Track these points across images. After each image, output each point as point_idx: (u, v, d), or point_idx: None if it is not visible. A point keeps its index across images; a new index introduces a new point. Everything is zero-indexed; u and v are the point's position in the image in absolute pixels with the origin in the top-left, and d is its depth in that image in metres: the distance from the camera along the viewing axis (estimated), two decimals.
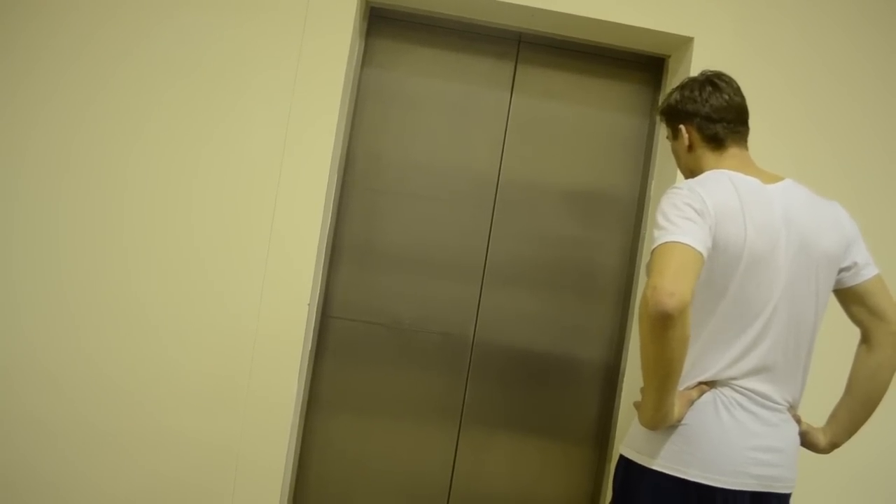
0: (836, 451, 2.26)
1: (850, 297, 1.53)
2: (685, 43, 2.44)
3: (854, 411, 1.54)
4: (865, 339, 1.53)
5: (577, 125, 2.75)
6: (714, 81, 1.56)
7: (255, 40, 2.29)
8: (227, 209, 2.28)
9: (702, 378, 1.42)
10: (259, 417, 2.27)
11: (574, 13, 2.36)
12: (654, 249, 1.34)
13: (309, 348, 2.40)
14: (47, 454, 2.25)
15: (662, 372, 1.30)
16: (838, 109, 2.45)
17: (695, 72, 2.35)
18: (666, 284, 1.24)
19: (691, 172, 1.60)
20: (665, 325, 1.24)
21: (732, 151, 1.54)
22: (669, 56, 2.57)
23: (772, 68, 2.43)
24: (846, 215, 1.53)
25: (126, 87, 2.26)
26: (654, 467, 1.40)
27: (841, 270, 1.50)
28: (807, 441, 1.55)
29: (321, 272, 2.42)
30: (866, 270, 1.51)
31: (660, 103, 1.65)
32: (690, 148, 1.58)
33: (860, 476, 2.46)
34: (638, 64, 2.63)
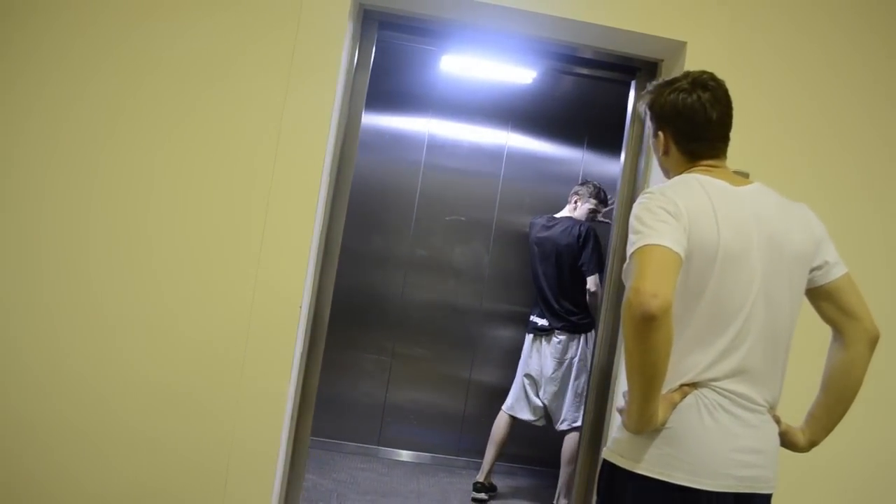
0: (837, 460, 2.30)
1: (821, 296, 1.54)
2: (678, 47, 2.44)
3: (831, 409, 1.55)
4: (837, 338, 1.54)
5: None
6: (699, 94, 1.52)
7: (247, 41, 2.29)
8: (218, 210, 2.28)
9: (683, 380, 1.43)
10: (252, 419, 2.27)
11: (566, 17, 2.36)
12: (631, 253, 1.36)
13: (301, 350, 2.41)
14: (37, 456, 2.24)
15: (648, 374, 1.32)
16: (832, 114, 2.46)
17: None
18: (648, 286, 1.26)
19: (666, 171, 1.64)
20: (650, 327, 1.25)
21: (706, 162, 1.55)
22: (662, 60, 2.57)
23: (765, 73, 2.44)
24: (814, 216, 1.55)
25: (116, 86, 2.26)
26: (639, 471, 1.41)
27: (812, 270, 1.51)
28: (787, 441, 1.56)
29: (314, 273, 2.42)
30: (836, 269, 1.52)
31: (647, 90, 1.62)
32: (666, 153, 1.60)
33: (861, 485, 2.47)
34: (631, 69, 2.64)
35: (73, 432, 2.25)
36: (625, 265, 1.39)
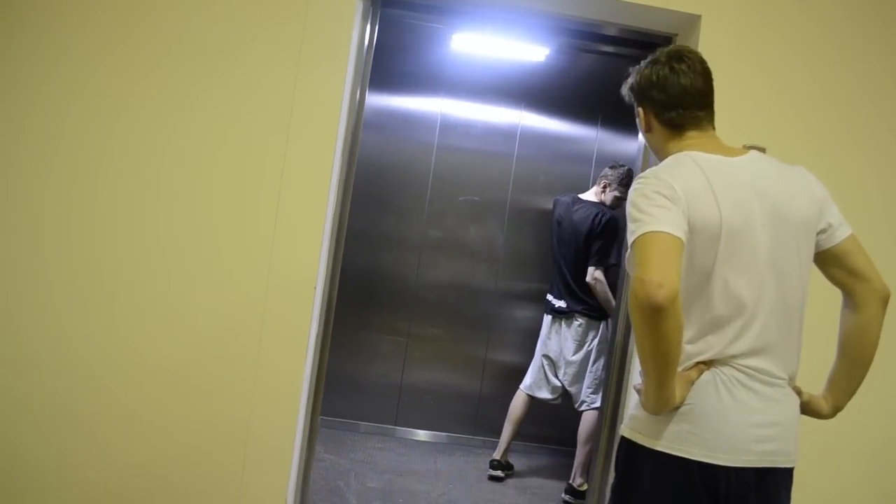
0: (856, 431, 2.32)
1: (828, 260, 1.52)
2: (693, 21, 2.41)
3: (850, 372, 1.54)
4: (848, 301, 1.53)
5: None
6: (672, 65, 1.52)
7: (257, 23, 2.28)
8: (231, 194, 2.28)
9: (701, 359, 1.42)
10: (268, 402, 2.30)
11: None
12: (632, 242, 1.34)
13: (316, 332, 2.42)
14: (43, 447, 2.27)
15: (661, 361, 1.31)
16: (848, 86, 2.43)
17: (702, 50, 2.34)
18: (653, 276, 1.25)
19: (656, 151, 1.62)
20: (659, 317, 1.24)
21: (691, 134, 1.53)
22: (677, 35, 2.54)
23: (780, 45, 2.41)
24: (814, 178, 1.52)
25: (127, 73, 2.26)
26: (658, 448, 1.41)
27: (817, 234, 1.49)
28: (810, 410, 1.56)
29: (328, 255, 2.42)
30: (841, 231, 1.50)
31: (629, 74, 1.64)
32: (649, 129, 1.59)
33: (880, 456, 2.48)
34: (645, 43, 2.60)
35: (86, 422, 2.28)
36: (626, 254, 1.37)
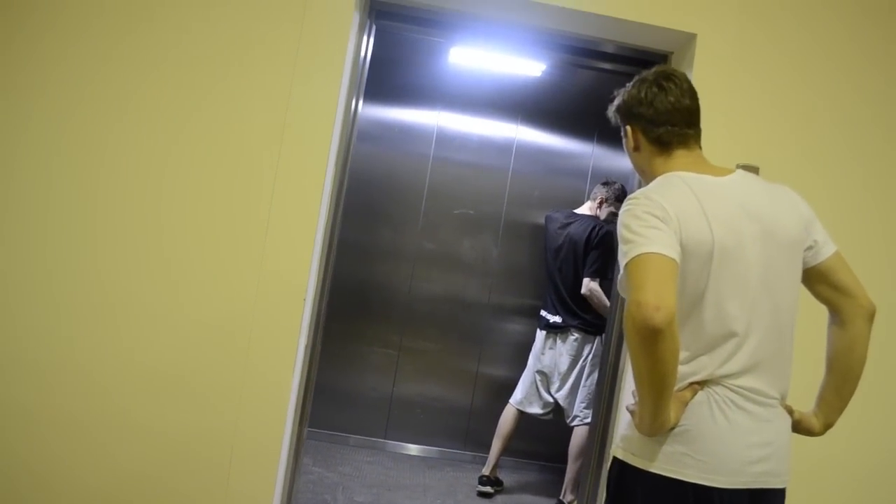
0: (848, 452, 2.34)
1: (814, 277, 1.52)
2: (688, 39, 2.41)
3: (839, 389, 1.54)
4: (835, 317, 1.53)
5: None
6: (661, 83, 1.53)
7: (253, 32, 2.28)
8: (223, 202, 2.27)
9: (694, 380, 1.40)
10: (255, 410, 2.28)
11: (576, 8, 2.34)
12: (626, 264, 1.33)
13: (305, 342, 2.40)
14: (36, 448, 2.25)
15: (658, 386, 1.29)
16: (843, 105, 2.44)
17: (698, 68, 2.36)
18: (650, 299, 1.23)
19: (642, 171, 1.61)
20: (656, 340, 1.23)
21: (679, 152, 1.53)
22: (672, 53, 2.54)
23: (776, 63, 2.41)
24: (798, 197, 1.52)
25: (124, 78, 2.25)
26: (652, 470, 1.39)
27: (804, 251, 1.49)
28: (802, 428, 1.55)
29: (318, 265, 2.41)
30: (826, 248, 1.50)
31: (614, 96, 1.64)
32: (637, 148, 1.58)
33: (872, 475, 2.47)
34: (640, 61, 2.61)
35: (74, 423, 2.25)
36: (619, 276, 1.36)
